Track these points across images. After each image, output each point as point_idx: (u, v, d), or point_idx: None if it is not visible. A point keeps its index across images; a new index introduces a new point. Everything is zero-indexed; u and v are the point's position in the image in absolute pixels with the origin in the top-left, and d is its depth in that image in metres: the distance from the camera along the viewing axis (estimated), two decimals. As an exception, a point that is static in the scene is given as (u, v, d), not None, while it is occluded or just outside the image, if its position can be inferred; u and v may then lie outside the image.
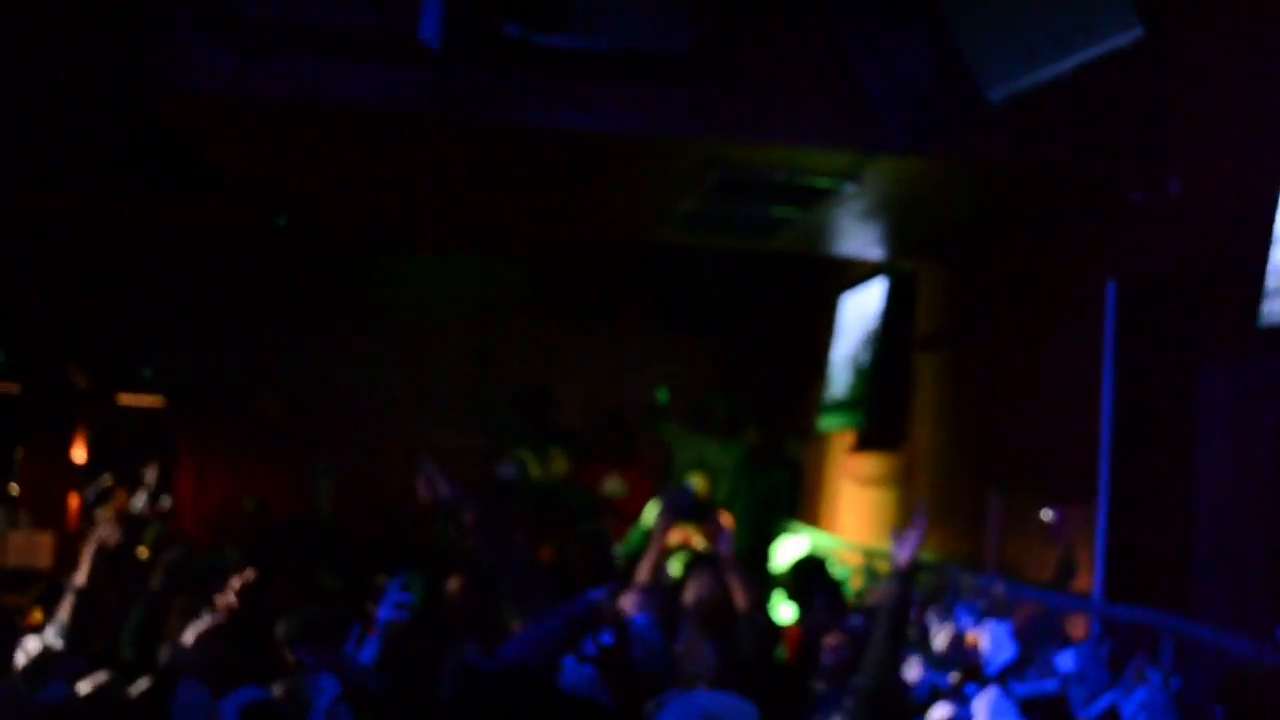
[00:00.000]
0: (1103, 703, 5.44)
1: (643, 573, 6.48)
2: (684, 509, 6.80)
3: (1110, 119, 6.68)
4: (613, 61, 6.63)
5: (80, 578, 6.16)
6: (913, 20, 6.08)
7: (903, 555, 5.29)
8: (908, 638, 6.87)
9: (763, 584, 9.42)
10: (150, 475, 14.71)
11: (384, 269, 13.19)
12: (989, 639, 6.49)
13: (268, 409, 12.86)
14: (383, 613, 5.46)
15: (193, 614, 6.39)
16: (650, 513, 9.25)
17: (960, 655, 6.60)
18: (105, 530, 6.29)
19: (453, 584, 6.37)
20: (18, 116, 7.72)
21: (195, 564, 7.96)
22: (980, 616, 6.80)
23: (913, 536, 5.29)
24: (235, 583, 6.56)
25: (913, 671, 6.53)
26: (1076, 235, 7.45)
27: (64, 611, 6.12)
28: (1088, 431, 6.82)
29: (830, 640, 6.08)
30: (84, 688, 5.08)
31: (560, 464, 10.31)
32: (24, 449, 14.04)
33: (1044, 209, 7.62)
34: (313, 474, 11.55)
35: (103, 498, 14.05)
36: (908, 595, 5.42)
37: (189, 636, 5.94)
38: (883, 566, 9.45)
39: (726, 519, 7.75)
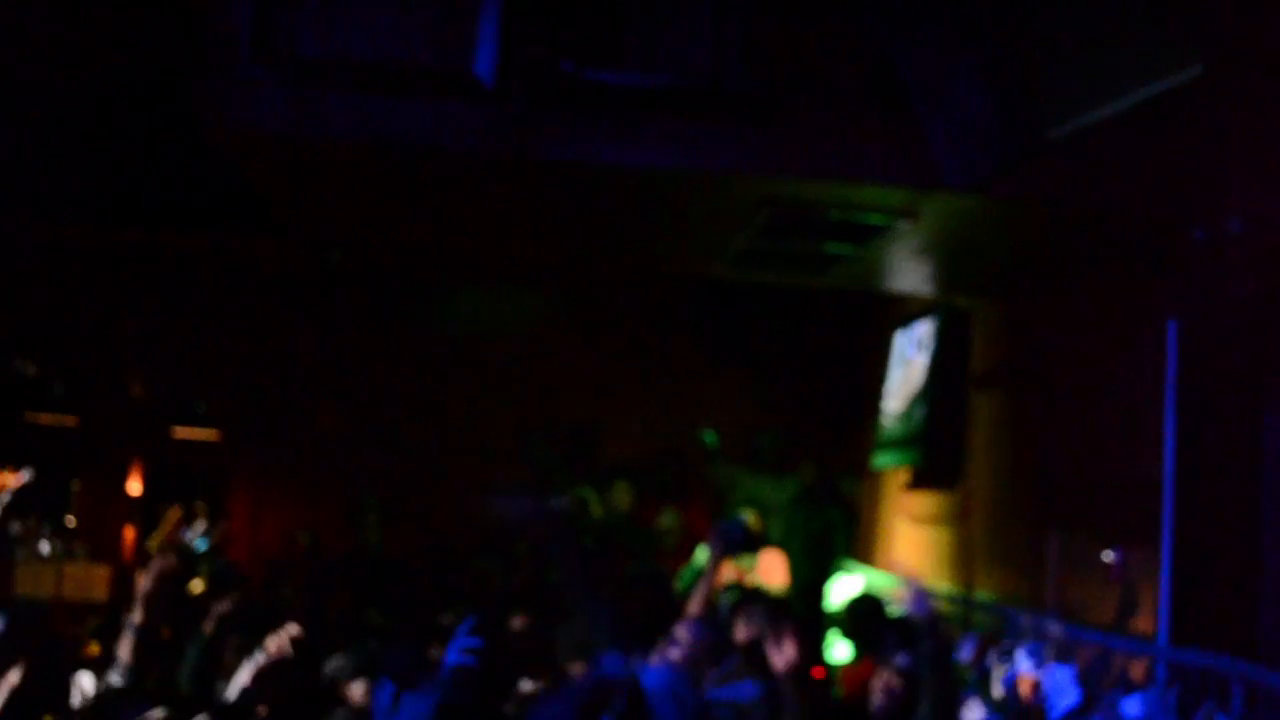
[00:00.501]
0: (1169, 750, 5.33)
1: (694, 606, 6.44)
2: (736, 543, 6.73)
3: (1170, 156, 6.59)
4: (666, 98, 6.62)
5: (138, 614, 6.16)
6: (970, 57, 6.02)
7: (919, 610, 5.26)
8: (960, 683, 6.78)
9: (817, 623, 9.34)
10: (203, 511, 14.85)
11: (436, 303, 13.23)
12: (1051, 682, 6.38)
13: (326, 419, 12.88)
14: (450, 657, 5.40)
15: (247, 652, 6.36)
16: (701, 552, 9.19)
17: (1022, 699, 6.49)
18: (163, 560, 6.28)
19: (517, 623, 6.35)
20: (77, 151, 7.79)
21: (250, 606, 7.97)
22: (1041, 659, 6.69)
23: (917, 592, 5.29)
24: (289, 630, 6.52)
25: (974, 715, 6.43)
26: (1137, 273, 7.35)
27: (124, 649, 6.12)
28: (1150, 471, 6.71)
29: (880, 682, 5.96)
30: None
31: (624, 497, 10.25)
32: (80, 481, 14.15)
33: (1103, 246, 7.53)
34: (359, 508, 11.56)
35: (153, 526, 14.16)
36: (941, 646, 5.38)
37: (245, 676, 5.91)
38: (940, 606, 9.35)
39: (778, 559, 7.68)
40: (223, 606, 6.59)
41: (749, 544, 7.10)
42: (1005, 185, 6.52)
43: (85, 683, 6.90)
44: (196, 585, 13.05)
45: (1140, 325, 7.08)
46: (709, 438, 11.09)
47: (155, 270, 12.48)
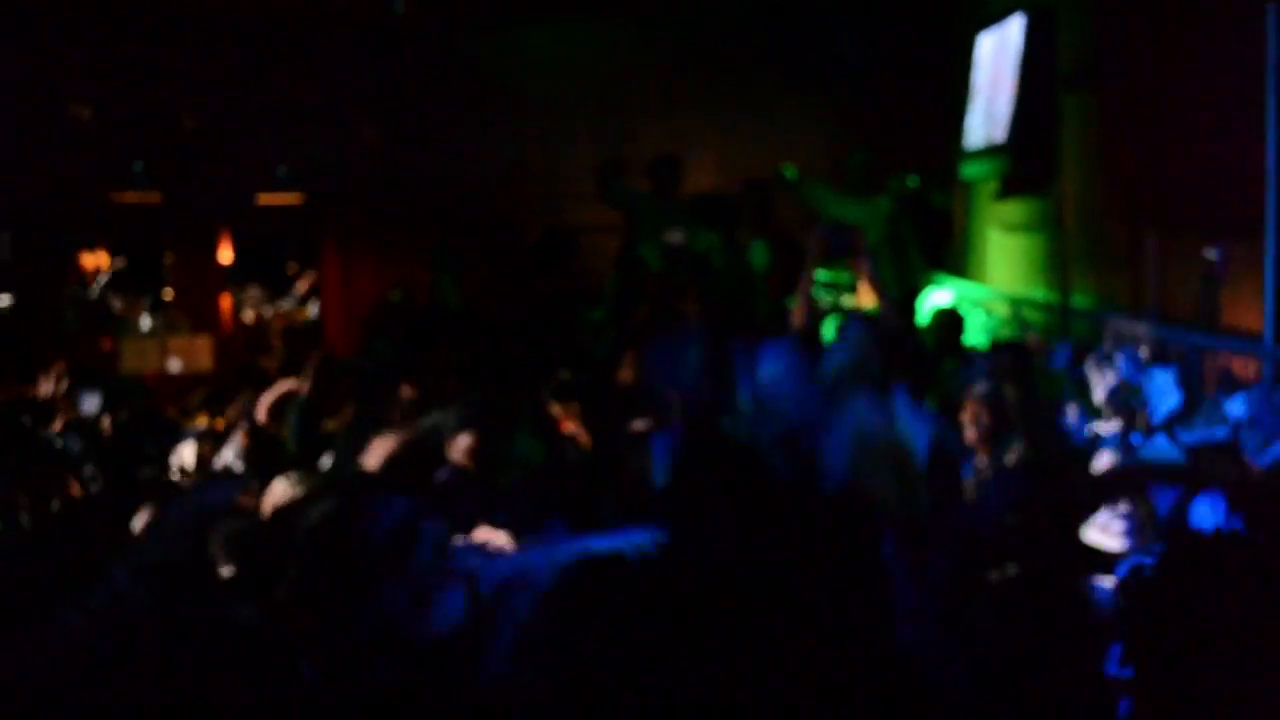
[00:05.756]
0: (1277, 449, 5.27)
1: (797, 317, 6.47)
2: (836, 246, 6.68)
3: None
4: None
5: (261, 413, 6.44)
6: None
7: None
8: (1057, 392, 6.75)
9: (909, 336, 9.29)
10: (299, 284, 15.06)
11: (506, 45, 12.95)
12: (1152, 386, 6.32)
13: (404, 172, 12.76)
14: None
15: (363, 423, 6.36)
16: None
17: (1123, 403, 6.44)
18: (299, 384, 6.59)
19: (625, 373, 6.42)
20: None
21: (343, 363, 8.06)
22: (1142, 363, 6.62)
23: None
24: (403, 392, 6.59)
25: (1073, 421, 6.41)
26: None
27: (240, 439, 6.37)
28: (1250, 165, 6.49)
29: (967, 415, 5.87)
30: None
31: (761, 256, 9.94)
32: (172, 255, 14.32)
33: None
34: (435, 262, 11.39)
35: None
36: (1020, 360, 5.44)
37: (374, 458, 5.91)
38: (1031, 314, 9.28)
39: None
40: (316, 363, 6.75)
41: (848, 248, 6.89)
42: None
43: (186, 454, 7.09)
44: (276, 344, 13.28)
45: (1236, 13, 6.77)
46: (789, 171, 10.83)
47: (223, 31, 12.31)
